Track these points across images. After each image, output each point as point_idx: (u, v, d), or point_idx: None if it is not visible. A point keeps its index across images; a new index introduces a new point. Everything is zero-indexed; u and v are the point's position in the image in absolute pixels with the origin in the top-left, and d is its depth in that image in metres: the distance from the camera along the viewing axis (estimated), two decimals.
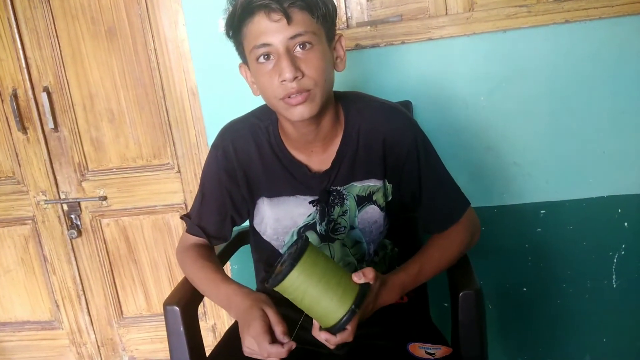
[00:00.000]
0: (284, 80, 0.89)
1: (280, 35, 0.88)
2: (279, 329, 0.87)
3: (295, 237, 1.08)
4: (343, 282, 0.85)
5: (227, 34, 0.96)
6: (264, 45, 0.89)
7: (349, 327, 0.85)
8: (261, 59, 0.91)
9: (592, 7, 1.34)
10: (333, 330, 0.85)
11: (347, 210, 1.05)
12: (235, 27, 0.93)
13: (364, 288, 0.86)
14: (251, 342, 0.88)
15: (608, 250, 1.55)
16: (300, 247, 0.84)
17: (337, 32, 0.99)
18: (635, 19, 1.35)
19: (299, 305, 0.86)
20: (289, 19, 0.87)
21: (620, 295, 1.57)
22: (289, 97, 0.91)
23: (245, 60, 0.98)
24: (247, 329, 0.89)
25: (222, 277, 1.04)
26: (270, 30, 0.88)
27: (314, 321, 0.88)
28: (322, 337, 0.86)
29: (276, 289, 0.84)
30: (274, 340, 0.87)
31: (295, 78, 0.88)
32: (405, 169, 1.04)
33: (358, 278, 0.86)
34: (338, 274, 0.86)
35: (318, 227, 1.06)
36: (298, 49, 0.90)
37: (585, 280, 1.58)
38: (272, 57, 0.90)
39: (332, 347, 0.87)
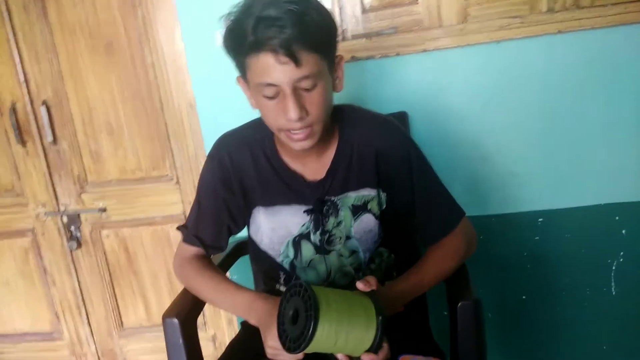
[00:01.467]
0: (289, 119, 0.90)
1: (287, 77, 0.87)
2: None
3: (290, 247, 1.08)
4: (357, 303, 0.83)
5: (227, 51, 0.94)
6: (270, 85, 0.89)
7: (384, 343, 0.84)
8: (267, 94, 0.90)
9: (585, 18, 1.35)
10: (373, 350, 0.82)
11: (341, 221, 1.06)
12: (239, 54, 0.91)
13: (374, 296, 0.86)
14: (275, 340, 0.87)
15: (606, 258, 1.55)
16: (310, 298, 0.77)
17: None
18: (628, 28, 1.36)
19: (330, 350, 0.82)
20: (297, 62, 0.86)
21: (619, 303, 1.57)
22: (292, 132, 0.92)
23: (244, 77, 0.97)
24: (271, 329, 0.89)
25: (235, 285, 1.05)
26: (277, 71, 0.87)
27: (341, 356, 0.85)
28: (365, 358, 0.84)
29: (307, 350, 0.78)
30: None
31: (300, 118, 0.89)
32: (398, 180, 1.05)
33: (364, 286, 0.87)
34: (350, 300, 0.83)
35: (312, 237, 1.06)
36: (304, 86, 0.89)
37: (584, 288, 1.58)
38: (277, 93, 0.90)
39: None
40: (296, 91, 0.89)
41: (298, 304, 0.80)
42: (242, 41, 0.87)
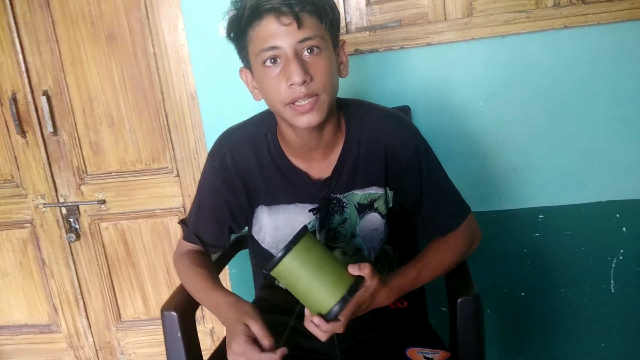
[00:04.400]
0: (293, 84, 0.87)
1: (290, 38, 0.86)
2: (265, 343, 0.86)
3: None
4: (337, 270, 0.86)
5: (229, 35, 0.94)
6: (272, 48, 0.87)
7: (341, 317, 0.84)
8: (268, 63, 0.89)
9: (591, 13, 1.35)
10: (326, 317, 0.84)
11: (347, 218, 1.04)
12: (241, 29, 0.90)
13: (359, 280, 0.87)
14: (238, 345, 0.86)
15: (606, 255, 1.55)
16: (297, 233, 0.85)
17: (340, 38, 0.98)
18: (634, 24, 1.36)
19: (293, 291, 0.86)
20: (299, 23, 0.86)
21: (619, 300, 1.57)
22: (297, 104, 0.89)
23: (247, 65, 0.96)
24: (231, 345, 0.88)
25: (212, 285, 1.03)
26: (280, 34, 0.86)
27: (306, 312, 0.87)
28: (315, 320, 0.85)
29: (272, 273, 0.86)
30: (263, 349, 0.86)
31: (304, 82, 0.87)
32: (407, 177, 1.04)
33: (353, 270, 0.86)
34: (333, 263, 0.86)
35: (318, 235, 1.04)
36: (306, 53, 0.88)
37: (583, 285, 1.58)
38: (279, 60, 0.88)
39: (322, 336, 0.85)
40: (299, 56, 0.88)
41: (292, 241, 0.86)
42: (242, 13, 0.88)
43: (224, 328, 1.84)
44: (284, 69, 0.88)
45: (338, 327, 0.85)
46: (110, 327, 1.94)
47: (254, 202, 1.07)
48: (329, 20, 0.91)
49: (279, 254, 0.84)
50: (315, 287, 0.84)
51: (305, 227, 0.87)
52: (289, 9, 0.85)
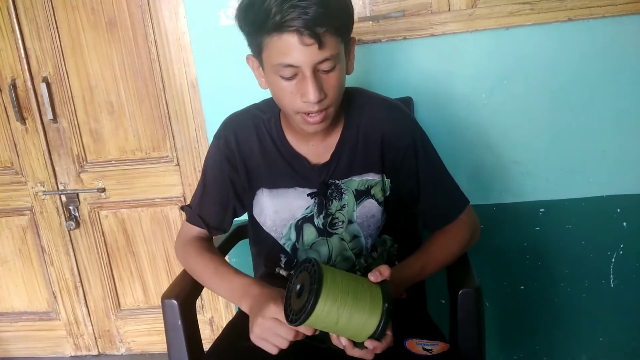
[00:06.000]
0: (307, 101, 0.89)
1: (310, 58, 0.86)
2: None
3: (292, 230, 1.08)
4: (366, 288, 0.82)
5: (240, 27, 0.92)
6: (291, 66, 0.87)
7: (388, 331, 0.82)
8: (284, 74, 0.89)
9: (595, 6, 1.34)
10: (375, 336, 0.81)
11: (345, 204, 1.05)
12: (257, 31, 0.88)
13: (385, 286, 0.84)
14: (270, 323, 0.84)
15: (606, 250, 1.55)
16: (316, 273, 0.78)
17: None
18: (639, 18, 1.35)
19: (332, 330, 0.82)
20: (320, 44, 0.85)
21: (618, 295, 1.58)
22: (308, 116, 0.92)
23: (258, 59, 0.95)
24: (266, 309, 0.85)
25: (234, 269, 1.04)
26: (300, 53, 0.86)
27: (343, 340, 0.84)
28: (368, 345, 0.82)
29: (307, 323, 0.78)
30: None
31: (319, 101, 0.89)
32: (404, 166, 1.05)
33: (375, 277, 0.85)
34: (358, 283, 0.83)
35: (316, 220, 1.06)
36: (322, 69, 0.89)
37: (583, 280, 1.59)
38: (296, 76, 0.89)
39: (371, 355, 0.83)
40: (315, 73, 0.88)
41: (305, 279, 0.81)
42: (263, 20, 0.85)
43: (223, 317, 1.86)
44: (300, 83, 0.89)
45: (390, 340, 0.83)
46: (109, 315, 1.95)
47: (255, 184, 1.08)
48: (348, 33, 0.92)
49: (309, 303, 0.76)
50: (355, 316, 0.79)
51: (316, 261, 0.81)
52: (312, 32, 0.84)
